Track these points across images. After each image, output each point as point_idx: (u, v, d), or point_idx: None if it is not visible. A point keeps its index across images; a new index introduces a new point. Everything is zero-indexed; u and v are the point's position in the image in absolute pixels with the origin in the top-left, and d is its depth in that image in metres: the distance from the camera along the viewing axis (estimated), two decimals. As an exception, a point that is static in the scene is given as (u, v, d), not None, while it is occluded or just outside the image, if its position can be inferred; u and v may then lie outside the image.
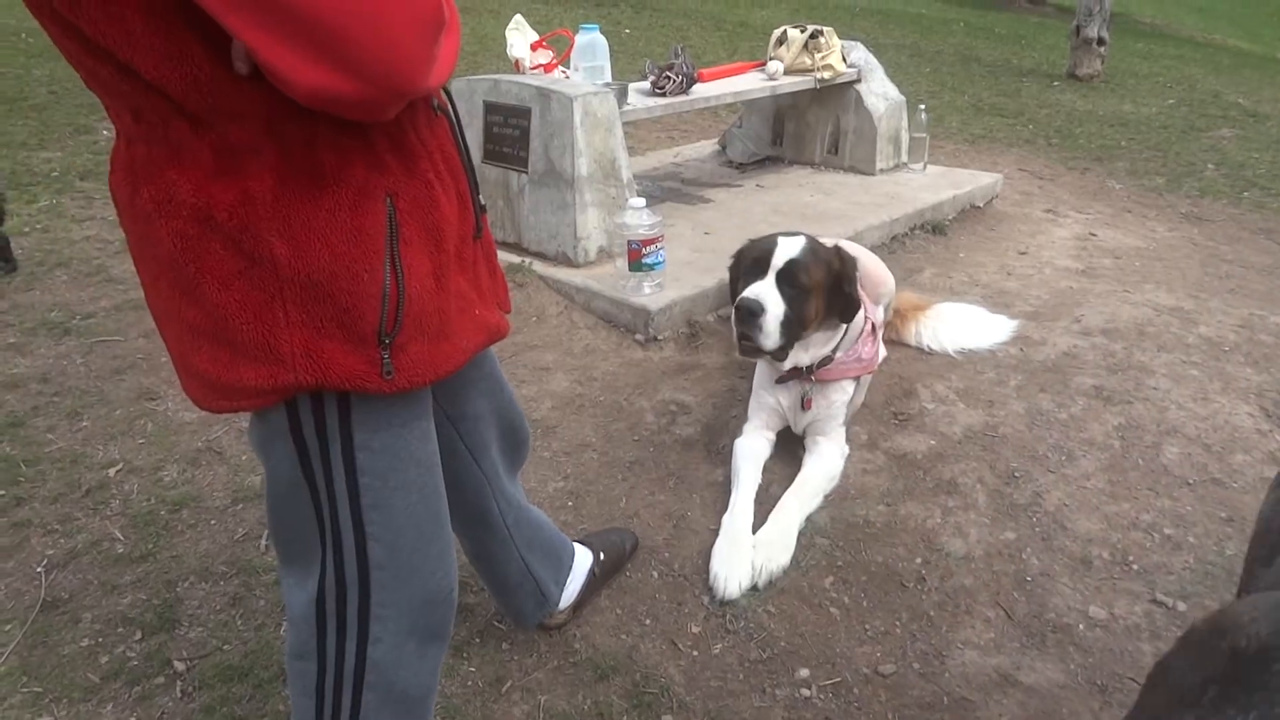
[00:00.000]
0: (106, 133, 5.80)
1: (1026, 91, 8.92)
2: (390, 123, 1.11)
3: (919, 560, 2.30)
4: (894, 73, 8.60)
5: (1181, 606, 2.18)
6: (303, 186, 1.05)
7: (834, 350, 2.55)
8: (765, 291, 2.35)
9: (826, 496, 2.49)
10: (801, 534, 2.36)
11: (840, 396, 2.59)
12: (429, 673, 1.44)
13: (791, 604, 2.17)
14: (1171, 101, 8.72)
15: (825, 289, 2.41)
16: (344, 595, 1.31)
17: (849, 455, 2.64)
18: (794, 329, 2.38)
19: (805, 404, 2.57)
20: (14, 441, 2.77)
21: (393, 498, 1.27)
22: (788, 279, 2.36)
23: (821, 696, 1.95)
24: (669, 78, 4.00)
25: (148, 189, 1.05)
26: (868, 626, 2.12)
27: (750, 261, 2.44)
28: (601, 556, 2.15)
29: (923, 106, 5.10)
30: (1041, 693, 1.96)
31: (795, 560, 2.28)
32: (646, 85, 4.09)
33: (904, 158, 5.10)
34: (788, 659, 2.03)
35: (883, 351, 3.04)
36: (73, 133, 5.77)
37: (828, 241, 2.56)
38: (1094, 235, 4.68)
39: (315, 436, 1.20)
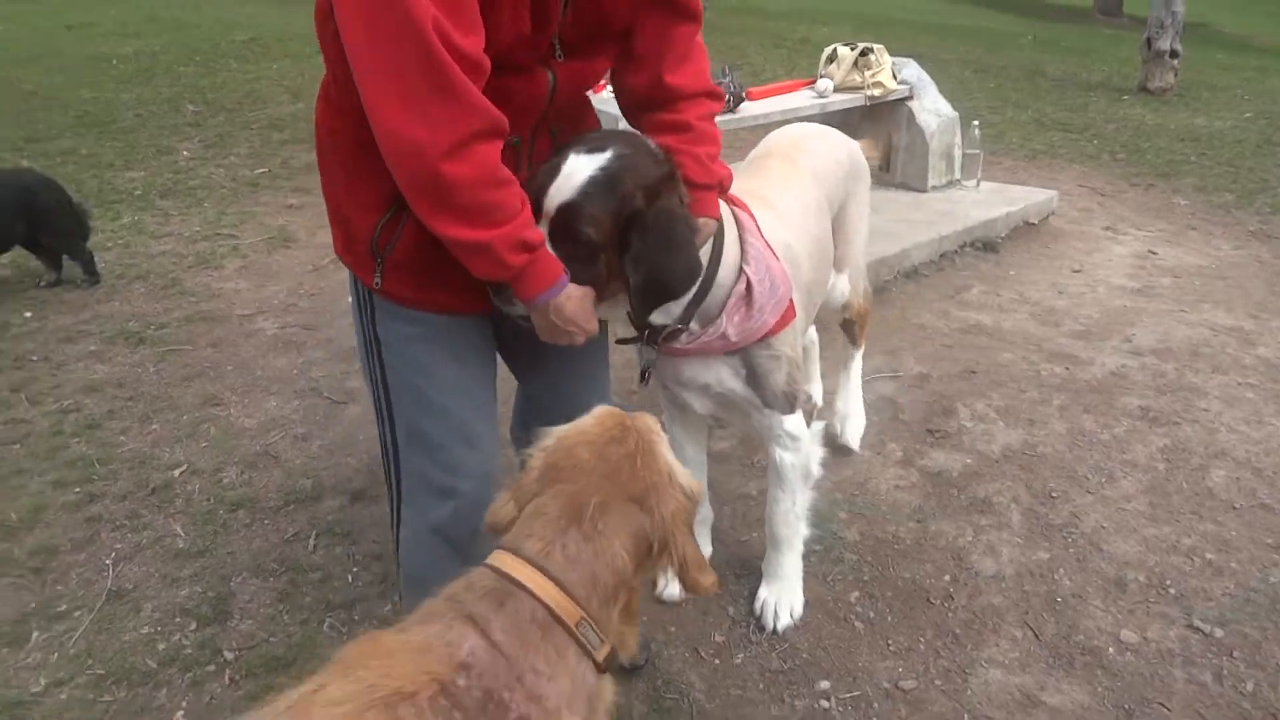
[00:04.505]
0: (187, 152, 6.12)
1: (1093, 106, 8.73)
2: None
3: (947, 577, 2.30)
4: (954, 88, 8.54)
5: (1219, 633, 2.14)
6: (357, 143, 1.49)
7: (684, 319, 1.82)
8: None
9: (811, 484, 2.14)
10: (829, 549, 2.38)
11: (728, 384, 1.96)
12: (440, 574, 1.45)
13: (815, 617, 2.20)
14: (1249, 115, 8.44)
15: (625, 231, 1.58)
16: (386, 462, 1.73)
17: (813, 435, 2.10)
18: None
19: (644, 377, 1.94)
20: (90, 442, 2.96)
21: (405, 390, 1.64)
22: (564, 232, 1.55)
23: (840, 709, 1.97)
24: (717, 97, 4.05)
25: (319, 108, 1.63)
26: (891, 642, 2.13)
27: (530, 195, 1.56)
28: None
29: (976, 123, 5.07)
30: (1066, 714, 1.95)
31: (821, 575, 2.31)
32: (695, 105, 4.15)
33: (957, 174, 5.07)
34: (809, 670, 2.06)
35: (812, 335, 2.60)
36: (155, 154, 6.09)
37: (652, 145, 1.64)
38: (1154, 253, 4.59)
39: (356, 307, 1.69)
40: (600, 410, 1.33)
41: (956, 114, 5.05)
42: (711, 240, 1.76)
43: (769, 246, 1.89)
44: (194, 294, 4.08)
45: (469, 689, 1.01)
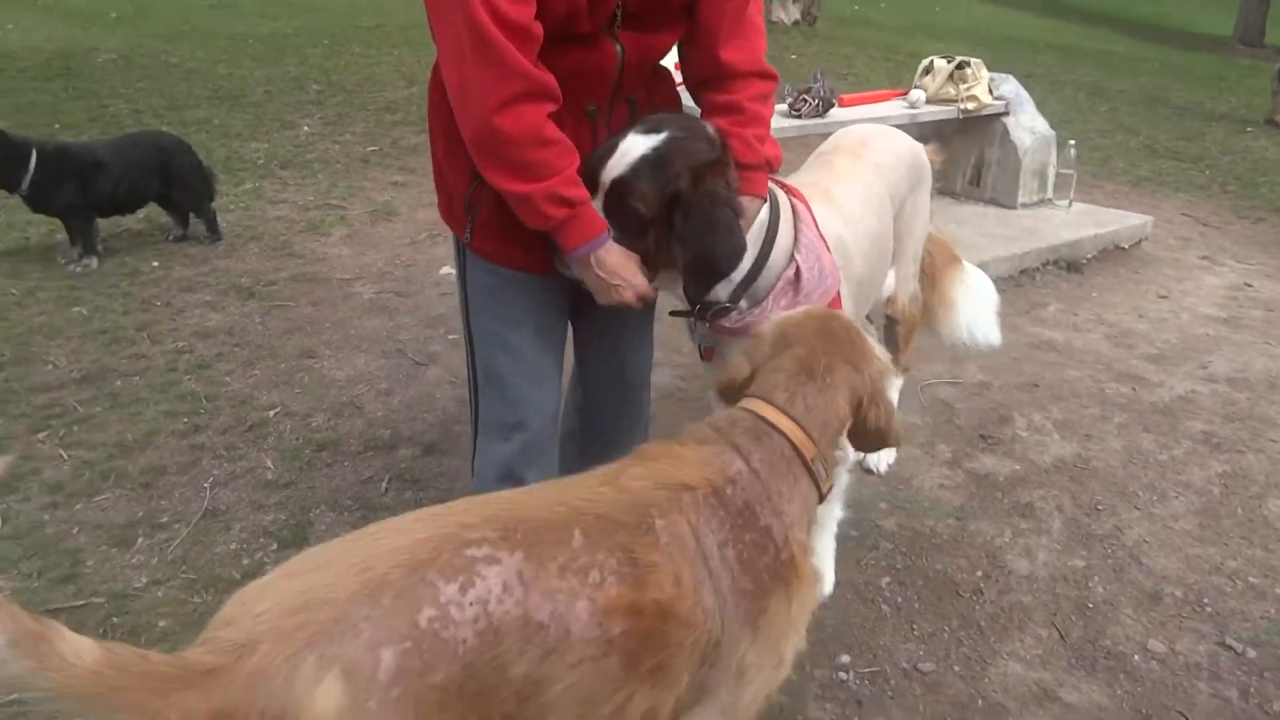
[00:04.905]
0: (307, 128, 6.52)
1: (1211, 136, 8.42)
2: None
3: (979, 573, 2.36)
4: (1065, 110, 8.37)
5: (1252, 653, 2.14)
6: (452, 115, 1.64)
7: (733, 298, 1.91)
8: None
9: (847, 466, 2.16)
10: (865, 535, 2.46)
11: None
12: None
13: (845, 596, 2.29)
14: (1382, 155, 8.00)
15: (674, 212, 1.69)
16: (471, 398, 1.96)
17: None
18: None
19: (704, 354, 2.05)
20: (200, 380, 3.26)
21: (484, 333, 1.88)
22: (616, 205, 1.68)
23: (858, 681, 2.06)
24: (805, 100, 4.15)
25: (430, 82, 1.79)
26: (916, 627, 2.21)
27: (585, 174, 1.69)
28: None
29: (1072, 142, 5.01)
30: (1080, 712, 2.00)
31: (855, 559, 2.39)
32: (784, 108, 4.26)
33: (1049, 193, 5.02)
34: (831, 644, 2.15)
35: (870, 330, 2.52)
36: (279, 127, 6.51)
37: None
38: (1249, 285, 4.46)
39: (455, 260, 1.92)
40: (808, 306, 1.69)
41: (1053, 132, 5.00)
42: (766, 225, 1.86)
43: (822, 238, 1.99)
44: (301, 256, 4.39)
45: (733, 497, 1.33)
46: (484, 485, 1.93)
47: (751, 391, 1.46)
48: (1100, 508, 2.60)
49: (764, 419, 1.40)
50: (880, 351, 1.57)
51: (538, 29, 1.51)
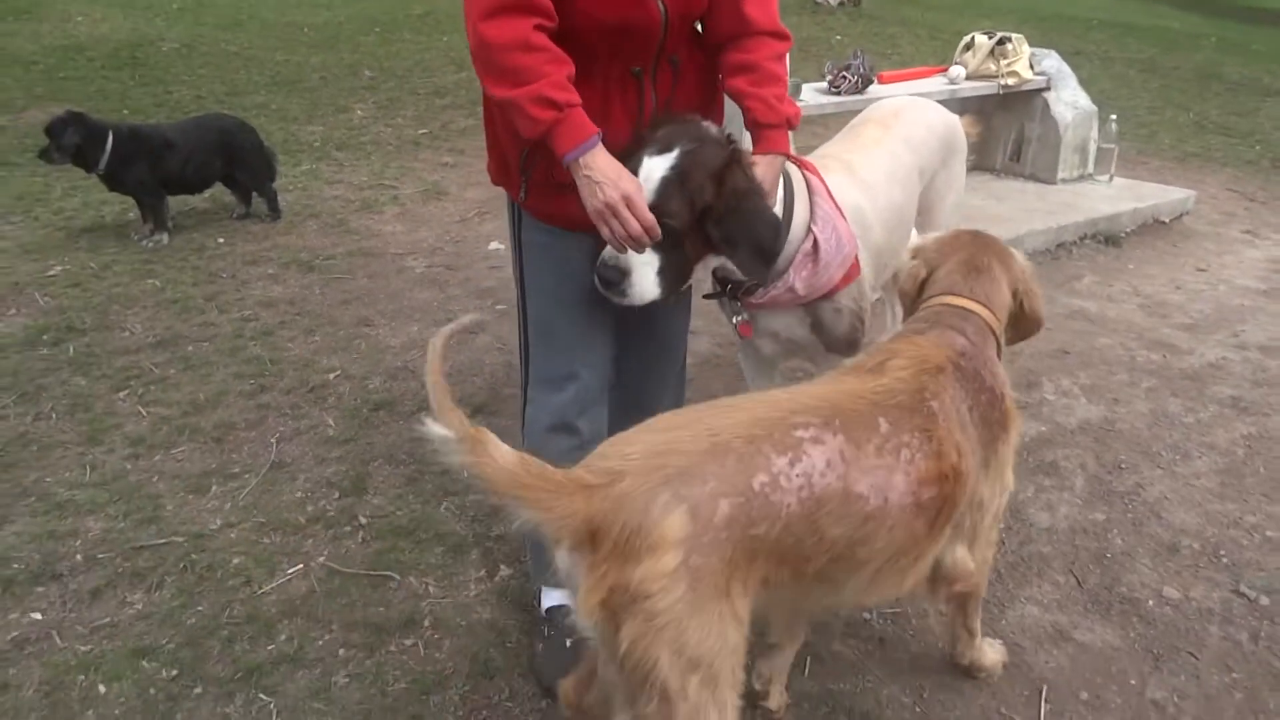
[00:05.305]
0: (361, 112, 6.75)
1: (1265, 111, 8.25)
2: (594, 75, 1.76)
3: (1001, 525, 2.45)
4: (1114, 86, 8.28)
5: (1265, 600, 2.22)
6: None
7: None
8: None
9: None
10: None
11: (794, 331, 2.16)
12: (556, 451, 1.85)
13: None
14: None
15: (706, 221, 1.83)
16: (522, 353, 2.09)
17: None
18: (677, 275, 1.90)
19: (740, 330, 2.17)
20: (264, 345, 3.48)
21: (538, 289, 2.00)
22: None
23: (880, 621, 2.19)
24: (845, 77, 4.23)
25: None
26: (937, 572, 2.31)
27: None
28: None
29: (1113, 117, 5.01)
30: (1093, 651, 2.09)
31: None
32: (824, 85, 4.35)
33: (1090, 168, 5.03)
34: (856, 586, 2.27)
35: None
36: (334, 112, 6.75)
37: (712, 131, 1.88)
38: (1293, 258, 4.44)
39: (508, 221, 2.05)
40: (956, 228, 1.97)
41: (1095, 108, 5.00)
42: (782, 203, 1.98)
43: (837, 208, 2.10)
44: (357, 233, 4.60)
45: (966, 367, 1.65)
46: (534, 435, 2.05)
47: (932, 291, 1.83)
48: (1123, 466, 2.68)
49: (960, 306, 1.76)
50: (1020, 255, 1.92)
51: None
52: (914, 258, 1.92)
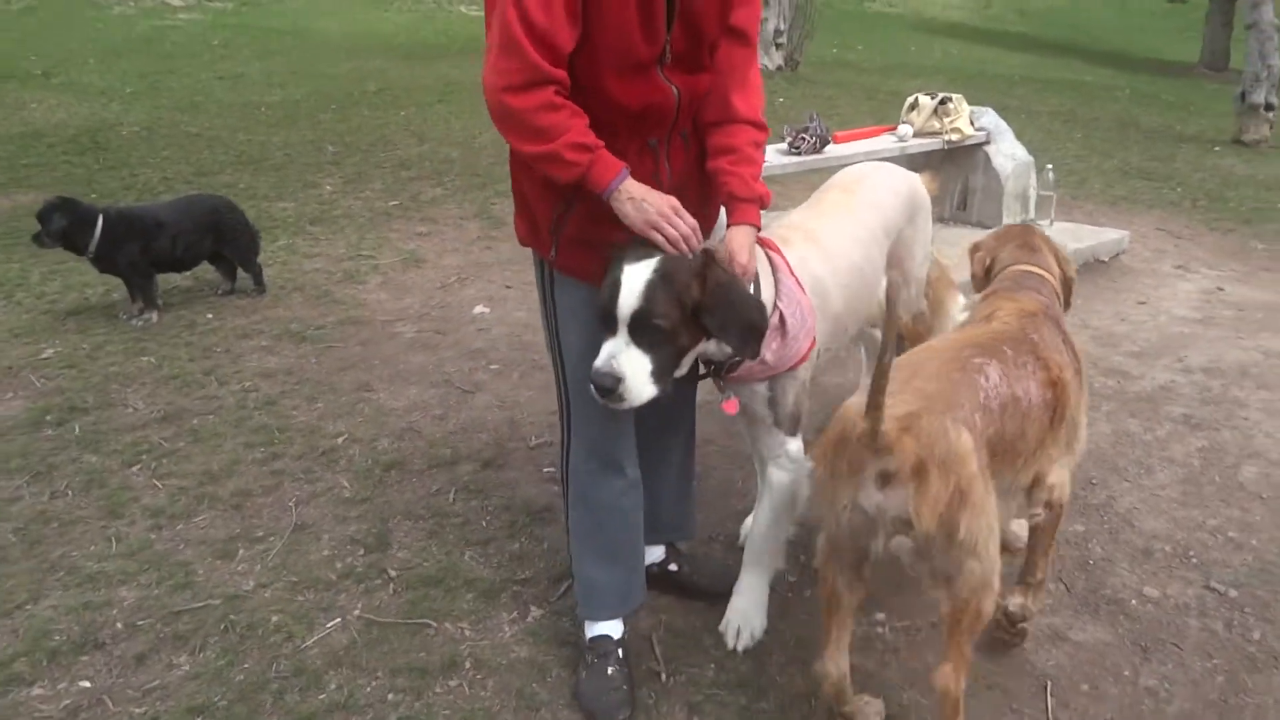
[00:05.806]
0: (329, 187, 6.91)
1: (1182, 156, 8.89)
2: (616, 148, 1.94)
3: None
4: (1041, 138, 8.84)
5: (1233, 593, 2.45)
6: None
7: (735, 352, 2.13)
8: (619, 354, 1.95)
9: (797, 521, 2.40)
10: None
11: (754, 404, 2.29)
12: (609, 492, 2.22)
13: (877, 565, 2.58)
14: (1343, 166, 8.47)
15: (696, 315, 1.98)
16: (561, 405, 2.23)
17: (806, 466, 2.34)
18: (668, 370, 2.02)
19: (725, 408, 2.26)
20: (269, 414, 3.57)
21: (571, 349, 2.14)
22: (642, 330, 1.94)
23: (892, 634, 2.36)
24: (804, 138, 4.55)
25: None
26: (939, 587, 2.50)
27: (599, 311, 1.99)
28: (678, 568, 2.58)
29: (1049, 166, 5.41)
30: (1088, 648, 2.30)
31: (882, 533, 2.69)
32: (784, 146, 4.65)
33: (1031, 214, 5.41)
34: (869, 605, 2.44)
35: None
36: (303, 187, 6.90)
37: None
38: (1221, 290, 4.83)
39: (539, 281, 2.20)
40: (1003, 225, 2.71)
41: (1031, 158, 5.41)
42: (751, 285, 2.14)
43: (799, 283, 2.27)
44: (343, 303, 4.73)
45: (1051, 312, 2.25)
46: (579, 478, 2.22)
47: (1001, 267, 2.43)
48: (1094, 482, 2.92)
49: (1031, 272, 2.36)
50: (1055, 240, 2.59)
51: (563, 40, 1.81)
52: (977, 250, 2.57)
